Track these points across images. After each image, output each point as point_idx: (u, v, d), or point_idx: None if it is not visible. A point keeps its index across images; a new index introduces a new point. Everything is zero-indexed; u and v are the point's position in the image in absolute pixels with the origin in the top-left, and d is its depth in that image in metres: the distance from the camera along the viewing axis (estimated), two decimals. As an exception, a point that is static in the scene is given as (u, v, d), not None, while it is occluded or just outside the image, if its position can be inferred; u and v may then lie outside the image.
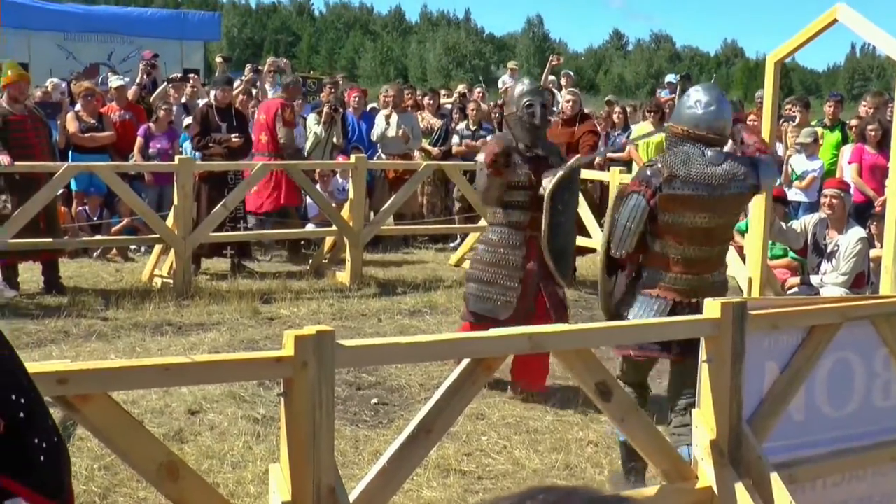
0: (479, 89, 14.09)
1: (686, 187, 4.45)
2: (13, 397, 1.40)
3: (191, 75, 13.28)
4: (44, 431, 1.44)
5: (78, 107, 10.67)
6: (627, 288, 4.71)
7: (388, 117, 11.70)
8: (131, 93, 11.92)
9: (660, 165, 4.52)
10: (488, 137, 12.06)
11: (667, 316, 4.50)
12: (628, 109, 13.34)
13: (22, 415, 1.40)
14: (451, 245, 11.72)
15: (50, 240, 8.39)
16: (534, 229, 5.91)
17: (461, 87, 14.35)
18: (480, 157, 5.96)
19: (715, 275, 4.67)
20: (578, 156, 6.23)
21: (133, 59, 15.93)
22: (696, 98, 4.57)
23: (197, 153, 9.98)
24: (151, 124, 10.91)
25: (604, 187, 10.57)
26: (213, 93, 10.22)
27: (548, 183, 5.82)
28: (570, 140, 9.62)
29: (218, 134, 9.82)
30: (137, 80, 12.49)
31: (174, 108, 11.33)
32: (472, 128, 12.11)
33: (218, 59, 13.64)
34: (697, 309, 4.34)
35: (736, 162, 4.56)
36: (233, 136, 9.80)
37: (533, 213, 5.92)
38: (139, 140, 10.76)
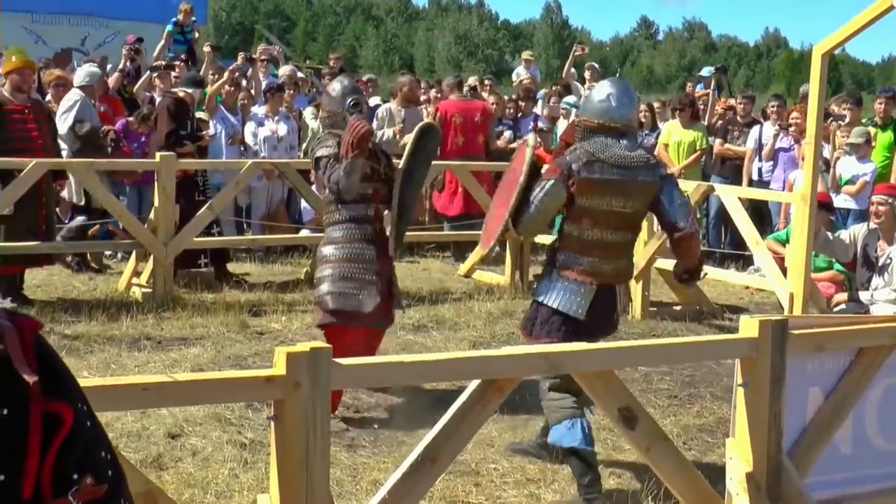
0: (487, 81, 14.14)
1: (605, 171, 4.99)
2: (103, 454, 1.56)
3: (177, 63, 13.29)
4: (126, 490, 1.63)
5: (48, 97, 10.70)
6: (543, 272, 5.24)
7: (391, 112, 11.75)
8: (113, 80, 11.94)
9: (579, 152, 5.04)
10: (506, 133, 12.10)
11: (590, 300, 4.98)
12: (656, 106, 13.31)
13: (110, 472, 1.56)
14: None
15: (28, 244, 8.44)
16: (379, 222, 6.30)
17: (472, 80, 14.40)
18: (323, 152, 6.17)
19: (628, 259, 5.26)
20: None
21: (110, 44, 16.03)
22: (608, 92, 5.18)
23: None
24: (130, 122, 10.90)
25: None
26: (189, 90, 10.24)
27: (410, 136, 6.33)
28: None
29: (186, 132, 9.86)
30: (120, 67, 12.48)
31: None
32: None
33: (206, 49, 13.68)
34: (614, 293, 5.09)
35: (645, 151, 5.22)
36: (205, 132, 9.85)
37: (377, 206, 6.28)
38: (115, 136, 10.74)
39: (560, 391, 4.99)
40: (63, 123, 9.77)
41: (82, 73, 10.54)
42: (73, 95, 10.02)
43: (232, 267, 10.44)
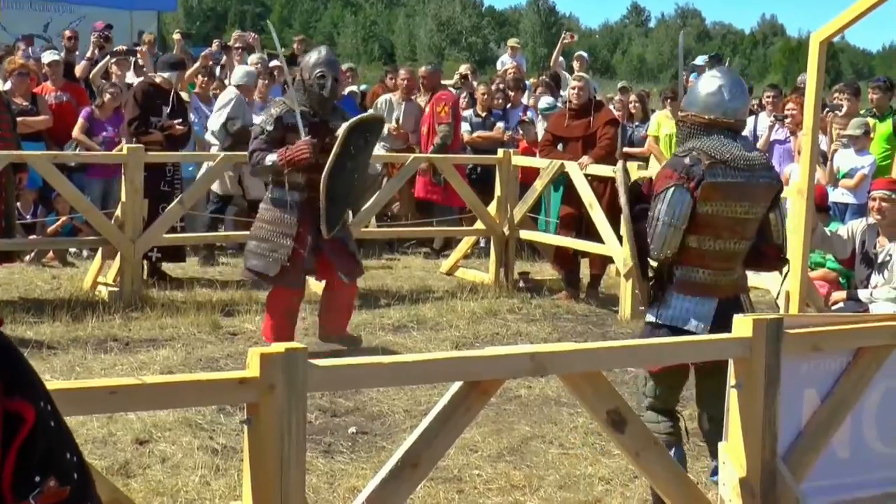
0: (464, 66, 14.15)
1: (729, 174, 4.70)
2: (68, 456, 1.52)
3: (139, 48, 13.21)
4: (93, 494, 1.64)
5: (8, 86, 10.63)
6: (656, 292, 4.89)
7: (391, 102, 11.79)
8: (79, 69, 11.86)
9: (697, 153, 4.73)
10: (499, 124, 12.09)
11: (715, 316, 4.68)
12: (644, 95, 13.38)
13: (76, 475, 1.57)
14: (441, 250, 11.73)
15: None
16: (312, 191, 6.95)
17: (464, 68, 14.41)
18: (258, 120, 7.41)
19: (741, 270, 4.96)
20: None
21: (74, 29, 15.88)
22: (719, 83, 4.84)
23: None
24: (96, 108, 10.84)
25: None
26: (167, 74, 10.15)
27: (345, 124, 6.93)
28: (585, 133, 9.62)
29: (158, 119, 9.80)
30: (88, 55, 12.38)
31: (122, 89, 11.26)
32: (482, 114, 12.10)
33: (176, 36, 13.63)
34: (740, 305, 4.75)
35: (759, 151, 4.87)
36: (175, 122, 9.80)
37: (310, 175, 6.95)
38: (81, 122, 10.68)
39: (658, 412, 4.83)
40: (216, 120, 10.51)
41: (240, 71, 11.08)
42: (230, 93, 10.67)
43: (203, 265, 10.42)
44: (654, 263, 4.89)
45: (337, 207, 7.01)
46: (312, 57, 7.26)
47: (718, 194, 4.69)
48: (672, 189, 4.67)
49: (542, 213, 10.14)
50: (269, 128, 7.04)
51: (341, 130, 6.91)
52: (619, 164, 5.27)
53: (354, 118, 7.12)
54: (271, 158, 6.96)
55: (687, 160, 4.72)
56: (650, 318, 4.89)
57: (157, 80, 9.97)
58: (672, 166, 4.81)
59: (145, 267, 9.44)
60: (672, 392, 4.91)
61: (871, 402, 4.42)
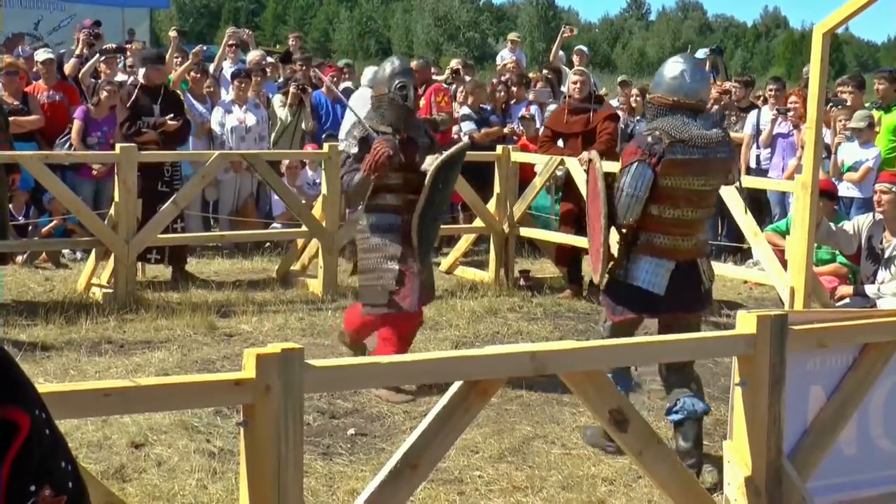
0: (455, 61, 14.14)
1: (687, 152, 5.36)
2: (63, 464, 1.52)
3: (129, 45, 13.19)
4: (87, 499, 1.64)
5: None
6: (621, 252, 5.60)
7: None
8: (69, 67, 11.86)
9: (659, 133, 5.37)
10: (492, 119, 12.06)
11: (670, 275, 5.40)
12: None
13: (70, 484, 1.57)
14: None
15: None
16: (407, 213, 6.55)
17: (454, 63, 14.37)
18: (345, 147, 6.77)
19: (702, 236, 5.70)
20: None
21: (65, 28, 15.92)
22: (681, 68, 5.51)
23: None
24: (91, 106, 10.82)
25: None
26: (141, 71, 10.16)
27: (433, 160, 6.53)
28: (585, 129, 9.61)
29: (150, 118, 9.80)
30: (77, 53, 12.37)
31: (118, 87, 11.23)
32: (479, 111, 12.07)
33: (171, 34, 13.60)
34: (696, 268, 5.50)
35: (718, 127, 5.62)
36: (168, 118, 9.80)
37: (406, 196, 6.57)
38: (78, 124, 10.67)
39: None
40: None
41: (370, 72, 11.11)
42: (365, 93, 10.63)
43: (199, 265, 10.42)
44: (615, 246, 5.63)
45: (427, 243, 6.75)
46: (387, 69, 6.75)
47: (677, 170, 5.34)
48: (636, 164, 5.35)
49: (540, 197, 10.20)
50: (354, 150, 6.58)
51: (431, 168, 6.48)
52: (594, 152, 5.85)
53: (445, 155, 6.54)
54: (358, 175, 6.52)
55: (650, 139, 5.37)
56: (620, 277, 5.54)
57: (151, 75, 9.96)
58: (637, 143, 5.47)
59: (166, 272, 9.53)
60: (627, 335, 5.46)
61: (878, 398, 4.42)
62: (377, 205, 6.61)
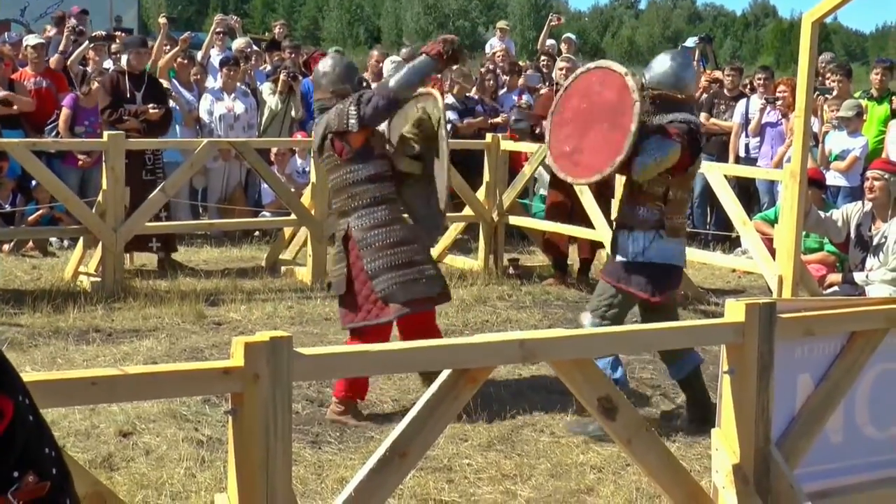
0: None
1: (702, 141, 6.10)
2: (46, 450, 1.52)
3: (118, 33, 13.13)
4: (71, 490, 1.65)
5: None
6: (648, 233, 5.85)
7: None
8: (53, 62, 11.80)
9: (692, 125, 5.82)
10: (478, 109, 12.03)
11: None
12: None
13: (54, 470, 1.58)
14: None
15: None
16: (400, 203, 6.17)
17: None
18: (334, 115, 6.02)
19: None
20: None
21: (52, 13, 15.79)
22: (689, 64, 6.09)
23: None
24: (81, 95, 10.75)
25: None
26: (124, 58, 10.12)
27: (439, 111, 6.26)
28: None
29: (132, 105, 9.76)
30: (61, 48, 12.28)
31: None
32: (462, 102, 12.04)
33: (161, 20, 13.53)
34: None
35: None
36: (150, 106, 9.76)
37: (396, 186, 6.16)
38: (66, 112, 10.61)
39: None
40: None
41: (390, 64, 11.21)
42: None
43: (187, 253, 10.40)
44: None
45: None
46: (334, 67, 6.26)
47: (699, 159, 6.02)
48: (675, 146, 5.66)
49: (536, 200, 10.16)
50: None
51: (441, 131, 6.22)
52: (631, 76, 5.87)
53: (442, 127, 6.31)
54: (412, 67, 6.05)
55: (693, 126, 5.82)
56: (623, 258, 5.87)
57: (131, 60, 9.92)
58: (679, 129, 5.74)
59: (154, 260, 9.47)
60: (626, 310, 6.01)
61: (864, 386, 4.44)
62: (387, 196, 6.07)
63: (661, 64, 5.95)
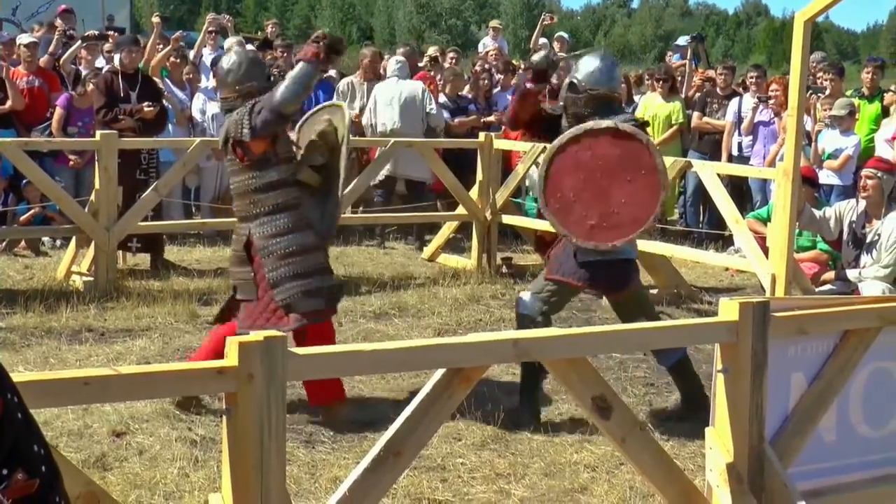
0: (451, 53, 14.07)
1: None
2: (35, 448, 1.51)
3: (110, 33, 13.09)
4: (61, 488, 1.64)
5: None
6: None
7: (353, 85, 11.72)
8: (43, 62, 11.74)
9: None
10: (470, 107, 12.03)
11: None
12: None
13: (44, 468, 1.58)
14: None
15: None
16: (303, 209, 6.01)
17: (432, 50, 14.32)
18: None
19: None
20: None
21: (43, 13, 15.76)
22: (615, 63, 6.28)
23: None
24: (76, 95, 10.71)
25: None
26: (117, 57, 10.10)
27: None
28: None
29: (128, 104, 9.74)
30: (50, 50, 12.22)
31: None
32: (454, 100, 12.04)
33: (154, 20, 13.49)
34: None
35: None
36: (145, 105, 9.74)
37: (300, 191, 6.02)
38: (59, 112, 10.57)
39: (543, 315, 6.24)
40: None
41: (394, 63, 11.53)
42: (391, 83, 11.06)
43: (180, 253, 10.39)
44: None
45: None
46: (242, 62, 6.06)
47: None
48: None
49: (529, 200, 10.14)
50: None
51: (343, 146, 6.08)
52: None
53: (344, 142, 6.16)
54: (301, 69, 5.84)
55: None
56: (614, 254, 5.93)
57: (123, 59, 9.91)
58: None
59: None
60: (564, 300, 6.35)
61: (857, 385, 4.44)
62: (289, 203, 5.94)
63: (591, 64, 6.09)
